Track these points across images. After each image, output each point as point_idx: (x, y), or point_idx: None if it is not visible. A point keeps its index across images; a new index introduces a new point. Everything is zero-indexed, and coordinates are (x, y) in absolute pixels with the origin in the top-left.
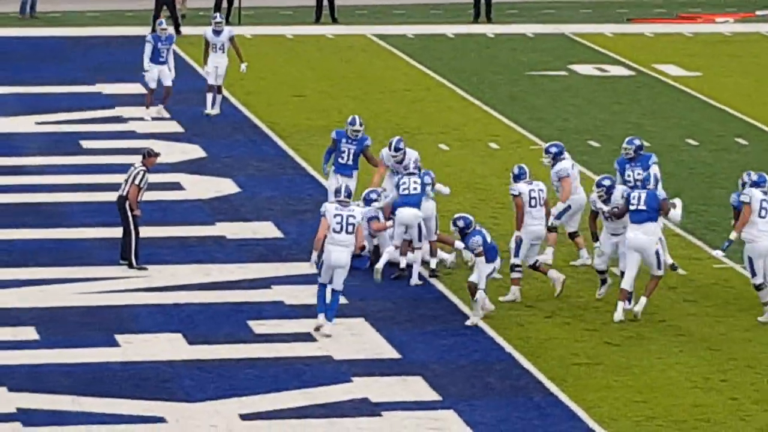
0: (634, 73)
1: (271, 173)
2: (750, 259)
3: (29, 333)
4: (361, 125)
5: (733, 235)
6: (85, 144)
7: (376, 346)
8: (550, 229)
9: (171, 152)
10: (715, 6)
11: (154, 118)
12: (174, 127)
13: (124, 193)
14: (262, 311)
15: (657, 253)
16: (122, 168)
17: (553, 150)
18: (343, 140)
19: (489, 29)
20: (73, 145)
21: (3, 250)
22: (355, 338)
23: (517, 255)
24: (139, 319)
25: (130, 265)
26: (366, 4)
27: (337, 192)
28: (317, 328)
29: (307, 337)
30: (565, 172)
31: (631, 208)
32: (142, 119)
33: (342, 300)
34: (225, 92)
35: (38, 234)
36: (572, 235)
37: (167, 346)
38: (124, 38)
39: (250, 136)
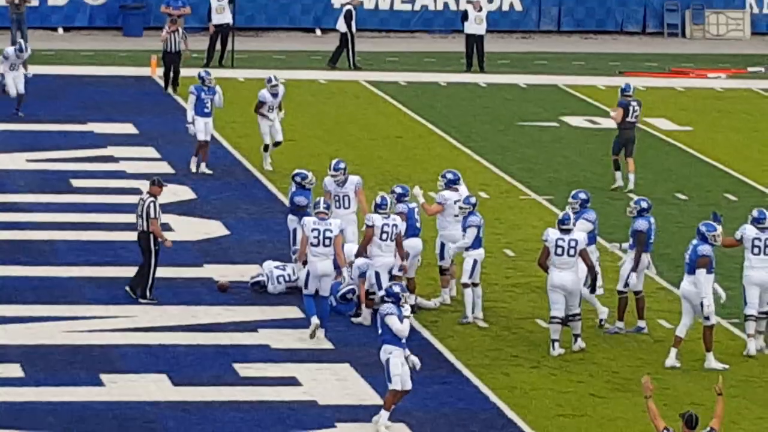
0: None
1: (260, 216)
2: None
3: (14, 370)
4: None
5: None
6: (75, 182)
7: (360, 392)
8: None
9: (161, 193)
10: (708, 61)
11: (195, 173)
12: (164, 168)
13: (145, 229)
14: (247, 354)
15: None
16: (111, 207)
17: (449, 176)
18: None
19: (481, 78)
20: (63, 183)
21: None
22: (340, 383)
23: (380, 288)
24: (124, 359)
25: (143, 297)
26: (359, 51)
27: (316, 204)
28: (313, 334)
29: (292, 381)
30: (441, 198)
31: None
32: (132, 159)
33: (327, 345)
34: (216, 134)
35: (26, 271)
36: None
37: (152, 387)
38: (118, 78)
39: (241, 179)
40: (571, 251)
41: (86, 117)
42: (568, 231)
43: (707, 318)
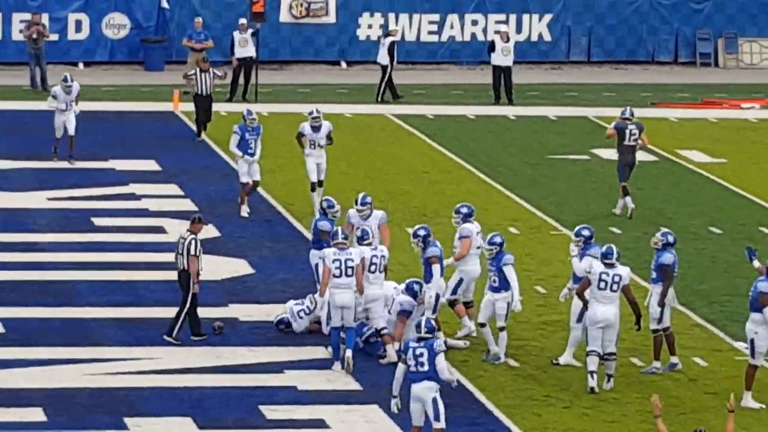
0: (657, 158)
1: (285, 254)
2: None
3: (37, 414)
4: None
5: None
6: (97, 221)
7: None
8: (452, 303)
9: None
10: (741, 92)
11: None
12: (187, 205)
13: (186, 268)
14: (274, 396)
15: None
16: (134, 246)
17: (464, 210)
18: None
19: (510, 111)
20: (85, 222)
21: (12, 329)
22: (369, 425)
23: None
24: (148, 402)
25: (169, 335)
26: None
27: (334, 235)
28: (347, 367)
29: (320, 424)
30: (467, 231)
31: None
32: (155, 196)
33: (356, 386)
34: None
35: (47, 312)
36: (452, 303)
37: (177, 431)
38: (139, 113)
39: (265, 216)
40: (614, 286)
41: (108, 154)
42: (612, 265)
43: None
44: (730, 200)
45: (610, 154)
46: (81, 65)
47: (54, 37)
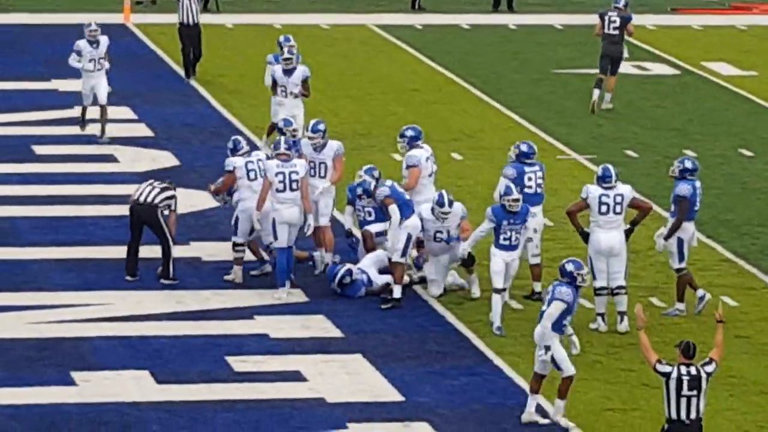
0: (679, 71)
1: None
2: None
3: None
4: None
5: None
6: (38, 149)
7: (375, 387)
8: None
9: (138, 160)
10: None
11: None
12: (142, 130)
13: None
14: (243, 346)
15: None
16: (81, 178)
17: (409, 133)
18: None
19: (510, 20)
20: (25, 151)
21: None
22: (351, 378)
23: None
24: (99, 354)
25: (165, 277)
26: None
27: (276, 145)
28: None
29: (295, 376)
30: (415, 160)
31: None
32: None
33: (336, 333)
34: (202, 90)
35: None
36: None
37: (132, 386)
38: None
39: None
40: (618, 208)
41: (50, 73)
42: (611, 187)
43: None
44: (763, 118)
45: (624, 67)
46: None
47: None
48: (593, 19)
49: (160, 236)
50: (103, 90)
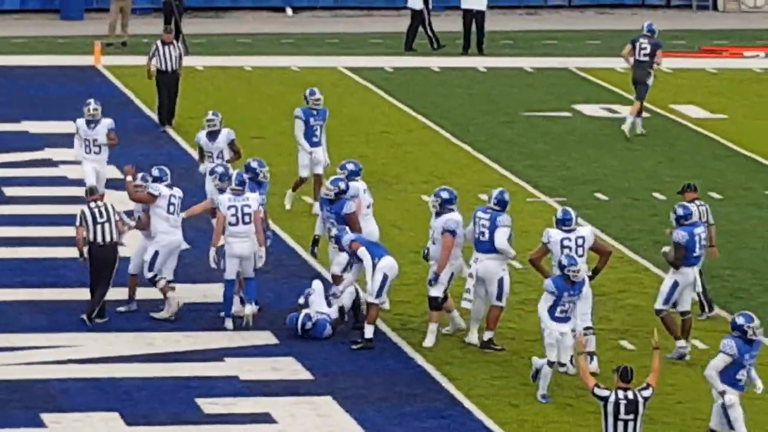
0: (649, 114)
1: None
2: None
3: None
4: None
5: None
6: (8, 191)
7: (345, 429)
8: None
9: (109, 201)
10: (743, 38)
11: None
12: (113, 172)
13: (113, 238)
14: (213, 387)
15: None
16: (51, 219)
17: (350, 167)
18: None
19: (480, 62)
20: None
21: None
22: (321, 420)
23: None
24: (69, 396)
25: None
26: (337, 32)
27: (225, 178)
28: (248, 322)
29: (265, 419)
30: (354, 191)
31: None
32: (74, 163)
33: (306, 375)
34: (171, 132)
35: None
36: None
37: (102, 427)
38: (56, 68)
39: (201, 184)
40: (580, 250)
41: (20, 115)
42: (572, 230)
43: None
44: (732, 161)
45: (594, 110)
46: None
47: None
48: (565, 62)
49: (108, 277)
50: (103, 175)
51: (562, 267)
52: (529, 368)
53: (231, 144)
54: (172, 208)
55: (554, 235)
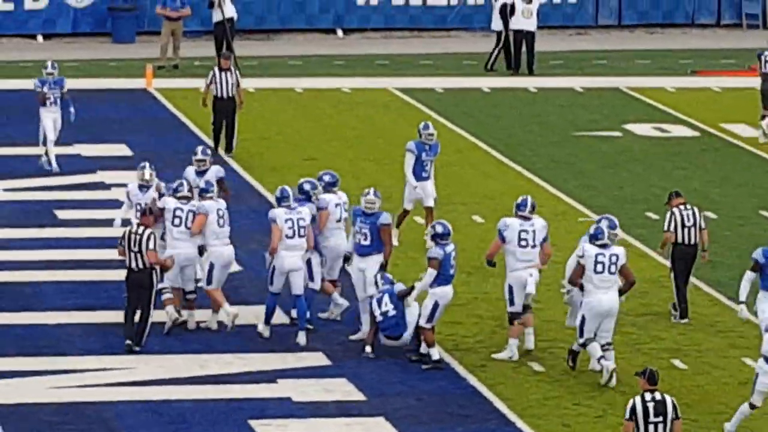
0: (699, 133)
1: None
2: None
3: None
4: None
5: None
6: (61, 214)
7: None
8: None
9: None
10: None
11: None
12: None
13: (144, 265)
14: (266, 409)
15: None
16: (104, 242)
17: (327, 178)
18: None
19: (531, 83)
20: (48, 215)
21: None
22: None
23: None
24: (122, 418)
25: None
26: (388, 53)
27: (285, 197)
28: (261, 335)
29: None
30: (324, 202)
31: None
32: (126, 185)
33: (359, 396)
34: (222, 152)
35: (6, 319)
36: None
37: None
38: (108, 91)
39: (253, 205)
40: (612, 267)
41: (72, 138)
42: (605, 245)
43: None
44: None
45: (645, 129)
46: (40, 38)
47: (8, 6)
48: (615, 81)
49: (147, 302)
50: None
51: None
52: (581, 387)
53: (219, 181)
54: (177, 221)
55: (589, 249)
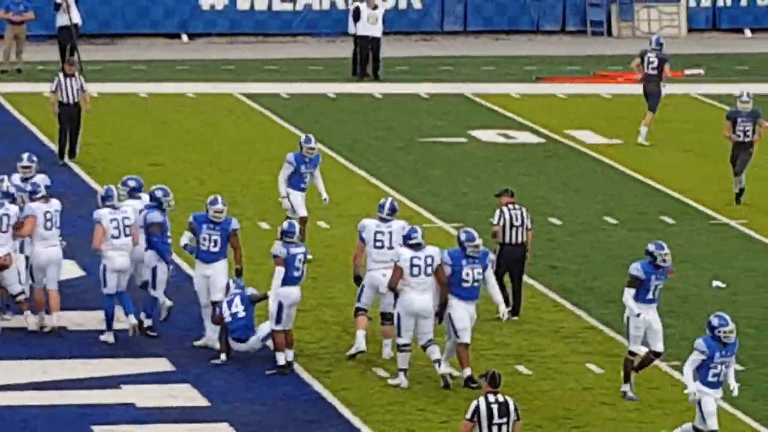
0: (544, 140)
1: None
2: None
3: None
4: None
5: None
6: None
7: None
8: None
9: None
10: None
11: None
12: None
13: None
14: (109, 415)
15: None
16: None
17: (132, 184)
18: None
19: (376, 88)
20: None
21: None
22: None
23: None
24: None
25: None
26: (233, 59)
27: (108, 197)
28: (134, 332)
29: None
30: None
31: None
32: None
33: (203, 402)
34: (67, 160)
35: None
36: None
37: None
38: None
39: (95, 208)
40: (428, 269)
41: None
42: (419, 246)
43: None
44: (627, 186)
45: (490, 135)
46: None
47: None
48: (460, 88)
49: None
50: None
51: (711, 327)
52: (426, 393)
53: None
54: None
55: (404, 252)
